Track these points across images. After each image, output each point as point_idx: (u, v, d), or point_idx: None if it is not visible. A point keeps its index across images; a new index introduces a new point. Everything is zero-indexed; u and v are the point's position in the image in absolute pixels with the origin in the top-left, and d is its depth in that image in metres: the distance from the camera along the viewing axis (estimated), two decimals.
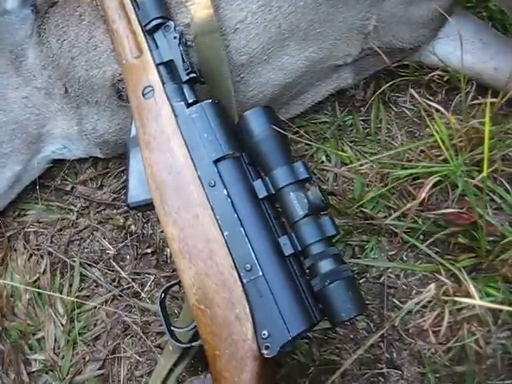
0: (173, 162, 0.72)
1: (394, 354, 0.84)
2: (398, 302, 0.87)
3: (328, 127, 1.01)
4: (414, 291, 0.88)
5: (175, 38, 0.76)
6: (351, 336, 0.86)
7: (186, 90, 0.76)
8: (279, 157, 0.71)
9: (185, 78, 0.76)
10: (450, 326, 0.77)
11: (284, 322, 0.65)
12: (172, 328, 0.76)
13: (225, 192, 0.69)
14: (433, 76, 0.98)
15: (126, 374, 0.86)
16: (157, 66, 0.77)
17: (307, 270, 0.70)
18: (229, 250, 0.68)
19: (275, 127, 0.72)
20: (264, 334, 0.65)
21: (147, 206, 0.75)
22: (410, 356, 0.84)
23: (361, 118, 1.02)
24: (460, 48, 0.85)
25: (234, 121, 0.81)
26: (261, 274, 0.67)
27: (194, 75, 0.76)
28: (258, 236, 0.69)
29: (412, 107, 1.03)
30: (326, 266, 0.67)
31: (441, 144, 0.85)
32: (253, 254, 0.68)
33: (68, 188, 1.01)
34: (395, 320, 0.83)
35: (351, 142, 1.00)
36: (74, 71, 0.88)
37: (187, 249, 0.69)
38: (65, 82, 0.90)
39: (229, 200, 0.69)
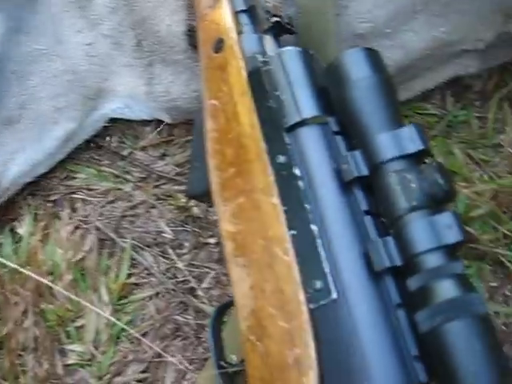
0: (238, 132, 0.53)
1: None
2: None
3: (436, 121, 0.85)
4: None
5: None
6: None
7: (267, 40, 0.58)
8: (382, 117, 0.47)
9: (267, 24, 0.59)
10: None
11: (367, 379, 0.41)
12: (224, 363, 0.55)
13: (296, 172, 0.48)
14: None
15: (173, 381, 0.75)
16: (235, 13, 0.59)
17: (410, 297, 0.44)
18: (296, 257, 0.46)
19: (383, 75, 0.49)
20: None
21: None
22: None
23: (476, 115, 0.86)
24: None
25: None
26: (335, 296, 0.44)
27: (278, 19, 0.59)
28: (336, 239, 0.46)
29: None
30: (445, 290, 0.41)
31: None
32: (325, 266, 0.44)
33: (125, 153, 0.87)
34: None
35: (461, 143, 0.84)
36: (152, 22, 0.72)
37: (243, 251, 0.50)
38: (138, 33, 0.74)
39: (300, 183, 0.48)
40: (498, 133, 0.84)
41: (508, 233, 0.77)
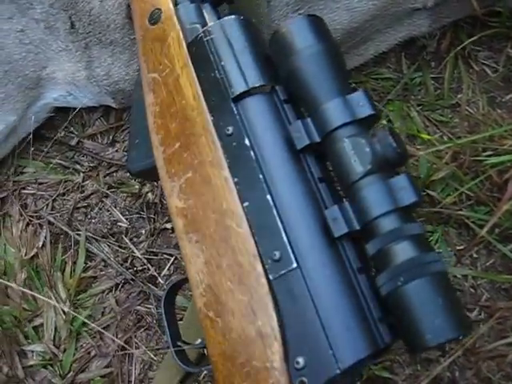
0: (181, 104, 0.50)
1: (457, 373, 0.71)
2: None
3: (392, 85, 0.82)
4: (484, 297, 0.74)
5: None
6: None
7: (207, 10, 0.55)
8: (330, 85, 0.46)
9: None
10: None
11: (330, 346, 0.41)
12: (180, 343, 0.54)
13: (246, 142, 0.47)
14: None
15: (139, 373, 0.73)
16: None
17: (370, 262, 0.45)
18: (250, 229, 0.45)
19: (327, 42, 0.47)
20: (297, 363, 0.41)
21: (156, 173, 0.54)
22: (476, 378, 0.70)
23: (432, 76, 0.83)
24: None
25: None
26: (295, 265, 0.43)
27: None
28: (292, 208, 0.45)
29: (495, 66, 0.84)
30: (402, 253, 0.41)
31: None
32: (283, 236, 0.44)
33: (73, 142, 0.83)
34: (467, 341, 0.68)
35: (419, 105, 0.82)
36: (83, 1, 0.69)
37: (195, 227, 0.47)
38: (71, 14, 0.71)
39: (251, 153, 0.46)
40: (455, 92, 0.82)
41: (470, 194, 0.75)
